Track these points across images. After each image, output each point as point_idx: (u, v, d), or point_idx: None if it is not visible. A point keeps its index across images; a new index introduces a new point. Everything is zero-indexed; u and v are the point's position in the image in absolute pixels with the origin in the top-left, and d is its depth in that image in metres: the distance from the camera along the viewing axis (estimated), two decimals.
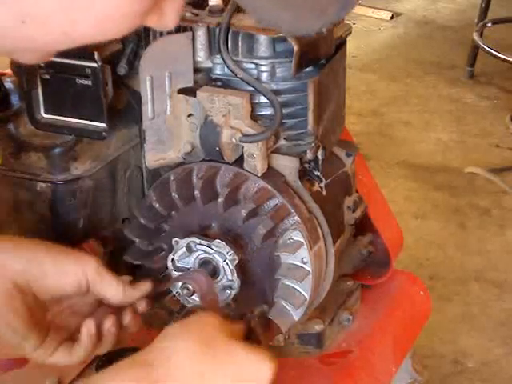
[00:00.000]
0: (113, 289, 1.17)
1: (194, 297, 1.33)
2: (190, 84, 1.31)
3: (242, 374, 1.03)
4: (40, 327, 1.13)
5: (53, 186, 1.39)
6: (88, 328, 1.14)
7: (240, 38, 1.30)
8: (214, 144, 1.29)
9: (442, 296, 2.35)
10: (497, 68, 3.68)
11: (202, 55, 1.32)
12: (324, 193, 1.39)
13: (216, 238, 1.29)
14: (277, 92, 1.31)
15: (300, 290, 1.32)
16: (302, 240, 1.31)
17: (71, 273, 1.14)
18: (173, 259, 1.33)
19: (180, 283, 1.29)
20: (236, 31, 1.29)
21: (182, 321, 1.10)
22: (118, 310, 1.19)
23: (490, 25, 3.71)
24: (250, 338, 1.14)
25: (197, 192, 1.30)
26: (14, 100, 1.42)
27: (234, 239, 1.31)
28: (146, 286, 1.21)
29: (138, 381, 0.98)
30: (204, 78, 1.34)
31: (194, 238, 1.30)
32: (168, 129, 1.32)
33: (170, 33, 1.32)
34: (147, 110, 1.30)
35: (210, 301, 1.25)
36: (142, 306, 1.21)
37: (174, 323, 1.09)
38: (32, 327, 1.12)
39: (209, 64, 1.34)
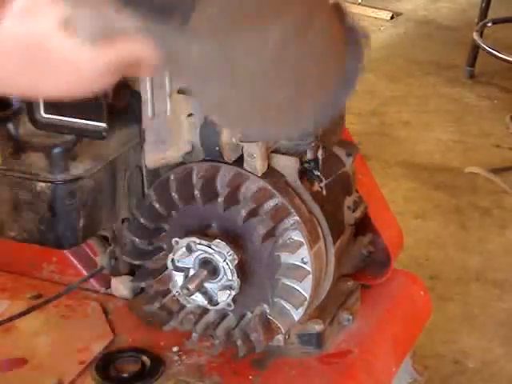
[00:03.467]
0: None
1: (194, 296, 1.33)
2: None
3: None
4: None
5: (53, 185, 1.39)
6: None
7: None
8: (214, 144, 1.29)
9: (442, 296, 2.35)
10: (497, 68, 3.68)
11: None
12: (324, 193, 1.39)
13: (216, 238, 1.29)
14: None
15: (300, 289, 1.32)
16: (301, 240, 1.31)
17: None
18: (173, 259, 1.33)
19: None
20: None
21: None
22: None
23: (490, 24, 3.70)
24: None
25: (197, 192, 1.30)
26: (14, 100, 1.42)
27: (234, 239, 1.31)
28: None
29: None
30: None
31: (193, 238, 1.30)
32: (168, 128, 1.32)
33: None
34: (147, 109, 1.30)
35: None
36: None
37: None
38: None
39: None
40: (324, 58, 0.69)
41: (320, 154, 1.35)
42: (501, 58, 3.47)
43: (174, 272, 1.34)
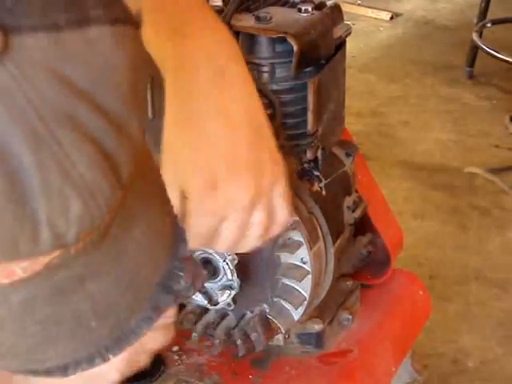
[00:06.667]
0: None
1: (194, 296, 1.33)
2: None
3: None
4: None
5: None
6: None
7: (240, 39, 1.30)
8: None
9: (441, 295, 2.35)
10: (496, 68, 3.68)
11: None
12: (324, 193, 1.39)
13: None
14: (276, 92, 1.31)
15: (300, 289, 1.33)
16: (301, 240, 1.31)
17: None
18: None
19: None
20: (236, 31, 1.29)
21: None
22: None
23: (489, 25, 3.70)
24: None
25: None
26: None
27: None
28: None
29: None
30: None
31: None
32: None
33: None
34: (147, 110, 1.30)
35: None
36: None
37: None
38: None
39: None
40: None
41: (320, 154, 1.35)
42: (500, 58, 3.47)
43: None
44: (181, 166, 0.97)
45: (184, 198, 0.97)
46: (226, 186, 0.97)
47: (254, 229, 1.02)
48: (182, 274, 0.70)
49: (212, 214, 0.99)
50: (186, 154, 0.97)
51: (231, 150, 0.97)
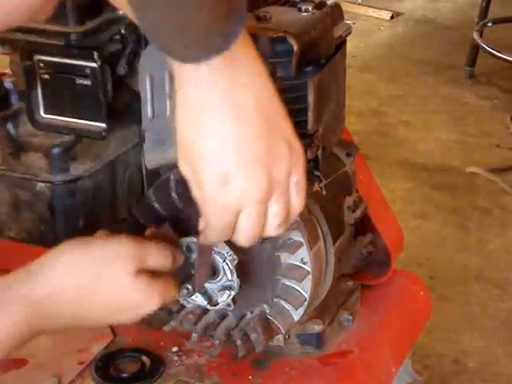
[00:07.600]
0: None
1: (193, 297, 1.33)
2: None
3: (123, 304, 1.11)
4: None
5: (52, 186, 1.39)
6: None
7: None
8: None
9: (442, 296, 2.35)
10: (497, 68, 3.68)
11: None
12: (324, 193, 1.39)
13: None
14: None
15: (300, 290, 1.32)
16: (301, 240, 1.30)
17: None
18: None
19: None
20: None
21: (81, 242, 1.13)
22: None
23: (490, 24, 3.71)
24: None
25: None
26: (14, 100, 1.42)
27: None
28: None
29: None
30: None
31: (193, 238, 1.30)
32: (168, 129, 1.31)
33: None
34: (147, 109, 1.29)
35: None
36: None
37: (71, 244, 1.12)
38: None
39: None
40: None
41: (320, 153, 1.35)
42: (501, 57, 3.47)
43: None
44: (192, 160, 0.96)
45: (201, 191, 0.98)
46: (238, 181, 0.96)
47: (271, 219, 1.02)
48: None
49: (226, 209, 0.99)
50: (195, 148, 0.96)
51: (241, 143, 0.95)
